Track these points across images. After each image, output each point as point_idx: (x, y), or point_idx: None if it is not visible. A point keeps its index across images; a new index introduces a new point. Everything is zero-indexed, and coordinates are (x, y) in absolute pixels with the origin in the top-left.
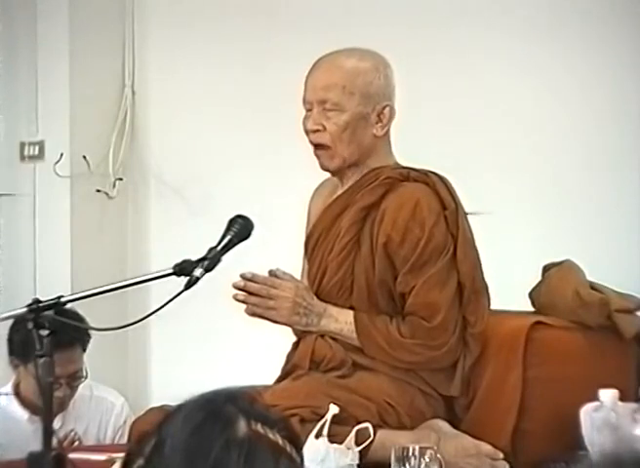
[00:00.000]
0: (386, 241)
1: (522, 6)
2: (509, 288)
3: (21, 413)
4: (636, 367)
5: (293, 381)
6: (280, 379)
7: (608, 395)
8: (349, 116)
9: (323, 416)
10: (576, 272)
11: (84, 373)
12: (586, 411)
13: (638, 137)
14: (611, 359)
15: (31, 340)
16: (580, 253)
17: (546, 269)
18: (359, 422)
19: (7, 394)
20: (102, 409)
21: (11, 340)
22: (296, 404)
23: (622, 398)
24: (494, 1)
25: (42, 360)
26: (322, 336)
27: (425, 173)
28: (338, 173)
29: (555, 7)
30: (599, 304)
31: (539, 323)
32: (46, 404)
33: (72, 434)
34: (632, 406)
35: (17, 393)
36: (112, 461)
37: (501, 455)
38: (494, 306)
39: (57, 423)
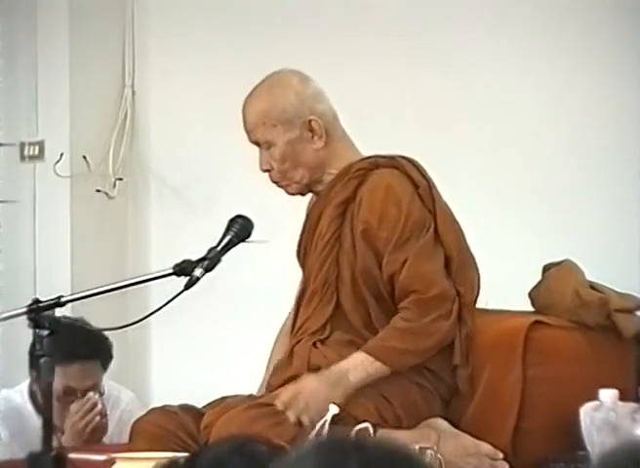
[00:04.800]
0: (365, 227)
1: (521, 7)
2: (509, 287)
3: (36, 418)
4: (635, 366)
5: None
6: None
7: (608, 395)
8: (282, 146)
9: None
10: (575, 272)
11: (101, 390)
12: (586, 411)
13: (638, 138)
14: (610, 358)
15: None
16: (580, 252)
17: (546, 269)
18: (359, 422)
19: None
20: (109, 406)
21: (31, 355)
22: None
23: (622, 397)
24: (493, 3)
25: (42, 360)
26: (315, 345)
27: (393, 157)
28: (306, 192)
29: (554, 8)
30: (598, 304)
31: (538, 322)
32: (46, 404)
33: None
34: (632, 405)
35: (32, 398)
36: (112, 461)
37: (501, 455)
38: (494, 306)
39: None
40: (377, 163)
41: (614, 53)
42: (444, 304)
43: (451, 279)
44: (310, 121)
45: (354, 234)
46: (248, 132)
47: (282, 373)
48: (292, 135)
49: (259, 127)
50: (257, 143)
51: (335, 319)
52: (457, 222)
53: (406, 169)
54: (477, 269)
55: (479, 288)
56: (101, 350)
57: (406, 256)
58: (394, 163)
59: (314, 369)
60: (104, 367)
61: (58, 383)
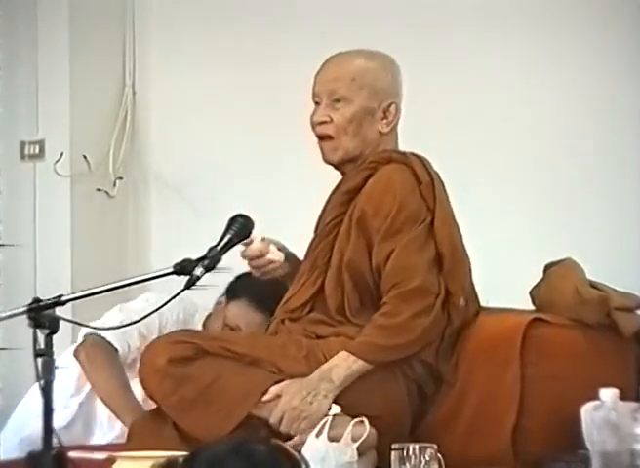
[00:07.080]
0: (361, 215)
1: (523, 8)
2: (510, 287)
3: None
4: (636, 365)
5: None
6: None
7: (608, 394)
8: (356, 108)
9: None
10: (576, 270)
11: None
12: (587, 410)
13: (638, 136)
14: (610, 357)
15: None
16: (581, 252)
17: (548, 268)
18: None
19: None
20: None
21: None
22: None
23: (622, 396)
24: (495, 3)
25: (42, 359)
26: (282, 322)
27: (404, 153)
28: (339, 166)
29: (556, 8)
30: (598, 302)
31: (537, 320)
32: (46, 404)
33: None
34: (633, 405)
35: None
36: (113, 460)
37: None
38: (494, 305)
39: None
40: (390, 158)
41: (615, 52)
42: (424, 298)
43: (441, 276)
44: (391, 104)
45: (352, 222)
46: (327, 80)
47: None
48: (370, 104)
49: (346, 79)
50: (323, 96)
51: (316, 301)
52: (455, 223)
53: (413, 165)
54: (470, 272)
55: (471, 291)
56: None
57: (393, 247)
58: (405, 159)
59: None
60: None
61: (233, 318)
